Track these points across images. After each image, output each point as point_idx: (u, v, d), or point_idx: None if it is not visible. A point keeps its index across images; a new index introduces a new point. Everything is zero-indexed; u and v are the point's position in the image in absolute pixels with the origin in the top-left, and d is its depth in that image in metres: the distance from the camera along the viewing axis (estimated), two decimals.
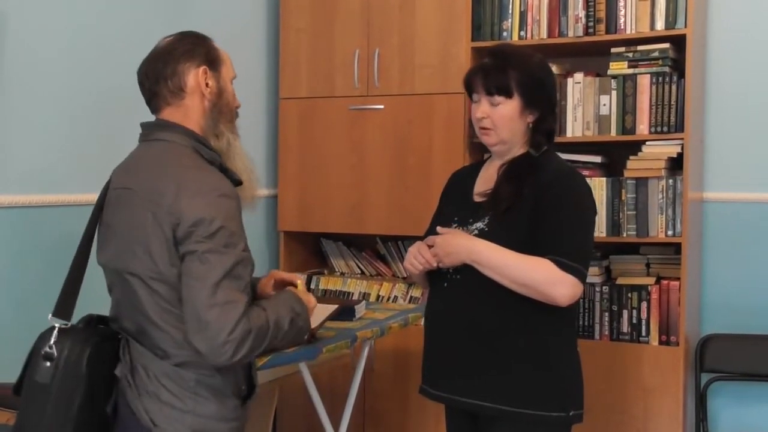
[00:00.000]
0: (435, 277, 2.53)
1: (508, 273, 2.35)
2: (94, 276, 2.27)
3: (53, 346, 2.09)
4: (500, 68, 2.46)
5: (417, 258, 2.48)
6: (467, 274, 2.41)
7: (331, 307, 2.83)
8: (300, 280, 2.46)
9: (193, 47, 2.24)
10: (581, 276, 2.36)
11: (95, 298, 2.30)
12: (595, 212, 2.53)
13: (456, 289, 2.46)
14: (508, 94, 2.45)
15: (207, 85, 2.22)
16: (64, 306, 2.18)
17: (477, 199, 2.54)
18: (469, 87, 2.53)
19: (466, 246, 2.39)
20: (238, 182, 2.22)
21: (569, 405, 2.43)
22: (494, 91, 2.45)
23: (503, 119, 2.47)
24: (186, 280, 2.03)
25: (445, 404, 2.58)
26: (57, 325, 2.13)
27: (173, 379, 2.11)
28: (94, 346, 2.12)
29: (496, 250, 2.36)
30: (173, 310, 2.09)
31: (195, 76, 2.21)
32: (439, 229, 2.50)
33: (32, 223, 2.94)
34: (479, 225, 2.46)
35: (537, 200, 2.40)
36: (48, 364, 2.08)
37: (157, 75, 2.22)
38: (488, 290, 2.39)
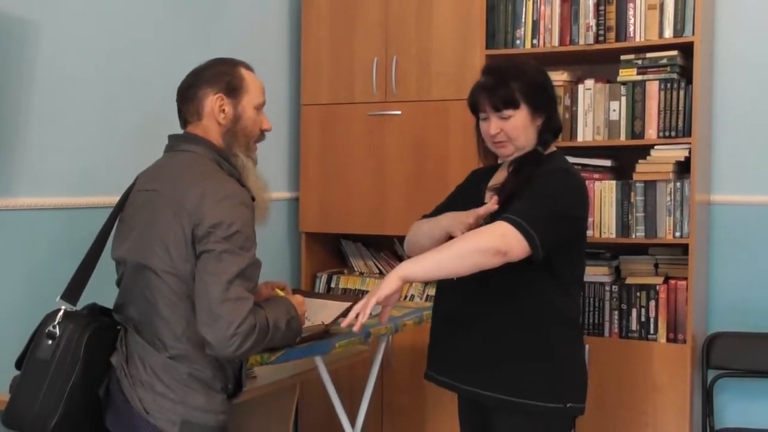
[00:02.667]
0: None
1: (442, 258, 2.28)
2: (105, 272, 2.39)
3: (57, 326, 2.23)
4: (501, 83, 2.49)
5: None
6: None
7: (345, 305, 2.87)
8: (279, 288, 2.56)
9: (217, 75, 2.37)
10: (514, 223, 2.28)
11: (103, 292, 2.42)
12: (572, 206, 2.45)
13: (464, 282, 2.45)
14: (515, 106, 2.49)
15: (223, 110, 2.34)
16: (73, 291, 2.32)
17: (486, 199, 2.57)
18: (474, 106, 2.57)
19: (390, 276, 2.29)
20: (251, 198, 2.32)
21: (566, 397, 2.45)
22: (501, 106, 2.49)
23: (516, 130, 2.50)
24: (201, 275, 2.15)
25: (450, 391, 2.62)
26: (63, 307, 2.27)
27: (167, 371, 2.23)
28: (94, 332, 2.25)
29: (423, 255, 2.32)
30: (179, 304, 2.22)
31: (211, 102, 2.35)
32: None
33: (69, 223, 3.03)
34: (482, 223, 2.46)
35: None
36: (50, 342, 2.21)
37: (183, 96, 2.39)
38: (492, 286, 2.43)
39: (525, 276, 2.42)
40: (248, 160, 2.40)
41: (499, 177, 2.61)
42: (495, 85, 2.51)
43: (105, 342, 2.29)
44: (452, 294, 2.58)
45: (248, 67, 2.45)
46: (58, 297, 2.30)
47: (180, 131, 2.44)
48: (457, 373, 2.55)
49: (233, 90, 2.37)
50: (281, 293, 2.53)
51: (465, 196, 2.70)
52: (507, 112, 2.49)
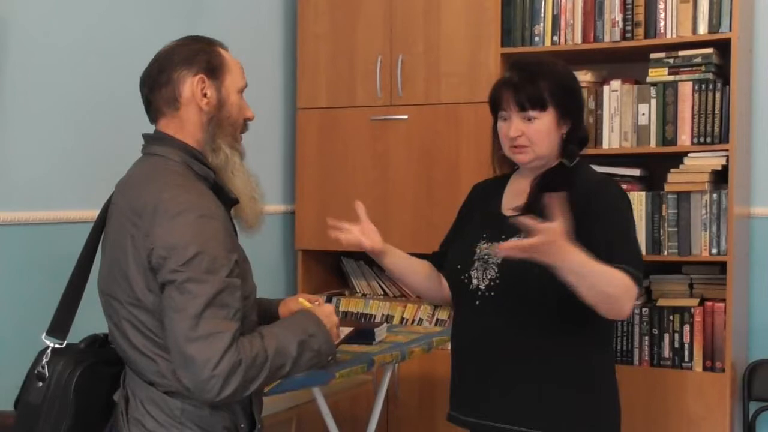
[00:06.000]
0: (465, 295, 2.46)
1: (593, 280, 2.17)
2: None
3: (45, 366, 2.09)
4: (530, 80, 2.40)
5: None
6: (502, 291, 2.35)
7: (346, 330, 2.79)
8: (303, 299, 2.41)
9: (193, 53, 2.15)
10: (634, 277, 2.28)
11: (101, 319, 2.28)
12: (633, 220, 2.49)
13: (490, 308, 2.39)
14: (543, 107, 2.39)
15: (205, 95, 2.13)
16: (59, 325, 2.16)
17: (508, 213, 2.46)
18: (496, 104, 2.47)
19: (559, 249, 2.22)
20: (233, 201, 2.15)
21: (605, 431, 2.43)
22: (528, 105, 2.39)
23: (540, 134, 2.41)
24: (167, 312, 1.97)
25: (473, 430, 2.52)
26: (51, 344, 2.13)
27: (159, 406, 2.06)
28: (87, 368, 2.10)
29: (582, 255, 2.19)
30: (154, 338, 2.04)
31: (191, 85, 2.12)
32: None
33: (38, 239, 2.98)
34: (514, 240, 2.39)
35: (576, 212, 2.27)
36: (40, 384, 2.08)
37: (152, 82, 2.16)
38: (525, 309, 2.34)
39: (564, 293, 2.26)
40: (234, 153, 2.18)
41: (515, 193, 2.51)
42: (523, 81, 2.42)
43: (103, 378, 2.14)
44: (476, 320, 2.46)
45: (224, 47, 2.24)
46: (44, 334, 2.14)
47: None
48: (487, 405, 2.43)
49: (214, 70, 2.14)
50: (307, 304, 2.36)
51: (477, 216, 2.60)
52: (532, 113, 2.40)
